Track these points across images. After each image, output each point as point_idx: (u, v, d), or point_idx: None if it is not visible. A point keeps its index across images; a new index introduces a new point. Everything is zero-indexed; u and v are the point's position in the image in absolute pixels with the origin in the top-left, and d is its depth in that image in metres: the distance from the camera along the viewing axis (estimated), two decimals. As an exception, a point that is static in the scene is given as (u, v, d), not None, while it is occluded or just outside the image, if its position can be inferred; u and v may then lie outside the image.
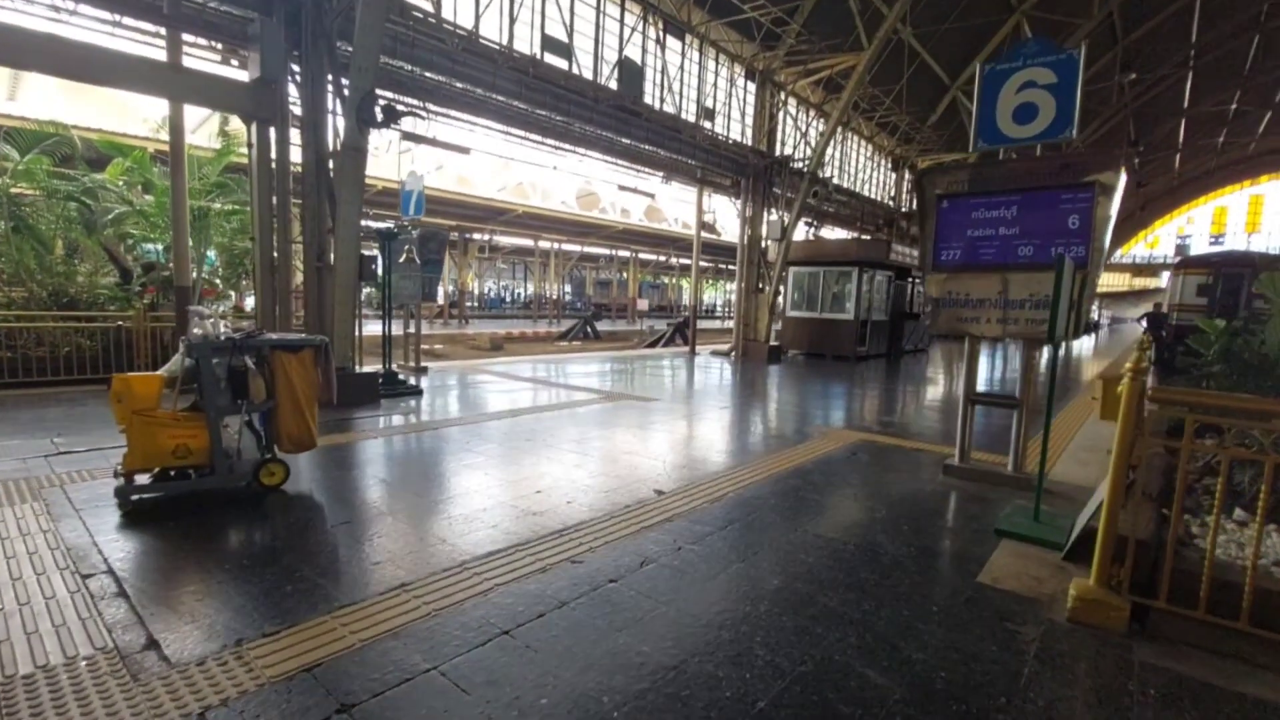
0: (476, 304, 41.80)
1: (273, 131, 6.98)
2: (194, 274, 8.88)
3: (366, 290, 11.96)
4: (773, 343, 14.64)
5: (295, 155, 7.22)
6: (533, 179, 38.27)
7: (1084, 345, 24.06)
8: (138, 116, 13.62)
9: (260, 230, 7.11)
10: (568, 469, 4.80)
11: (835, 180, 19.22)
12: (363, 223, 7.74)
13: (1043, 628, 2.67)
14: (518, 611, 2.62)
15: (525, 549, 3.27)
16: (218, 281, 11.76)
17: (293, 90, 7.12)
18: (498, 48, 9.85)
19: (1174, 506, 2.63)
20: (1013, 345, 15.58)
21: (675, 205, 42.05)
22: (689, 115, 13.57)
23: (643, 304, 44.47)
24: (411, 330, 10.59)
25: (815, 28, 13.69)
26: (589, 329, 25.83)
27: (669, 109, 13.10)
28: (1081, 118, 4.53)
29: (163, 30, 6.86)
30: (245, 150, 7.66)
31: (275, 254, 7.20)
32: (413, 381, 8.50)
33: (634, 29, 12.33)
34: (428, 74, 8.82)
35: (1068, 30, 17.06)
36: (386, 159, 14.43)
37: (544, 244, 34.05)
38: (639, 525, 3.67)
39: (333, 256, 7.28)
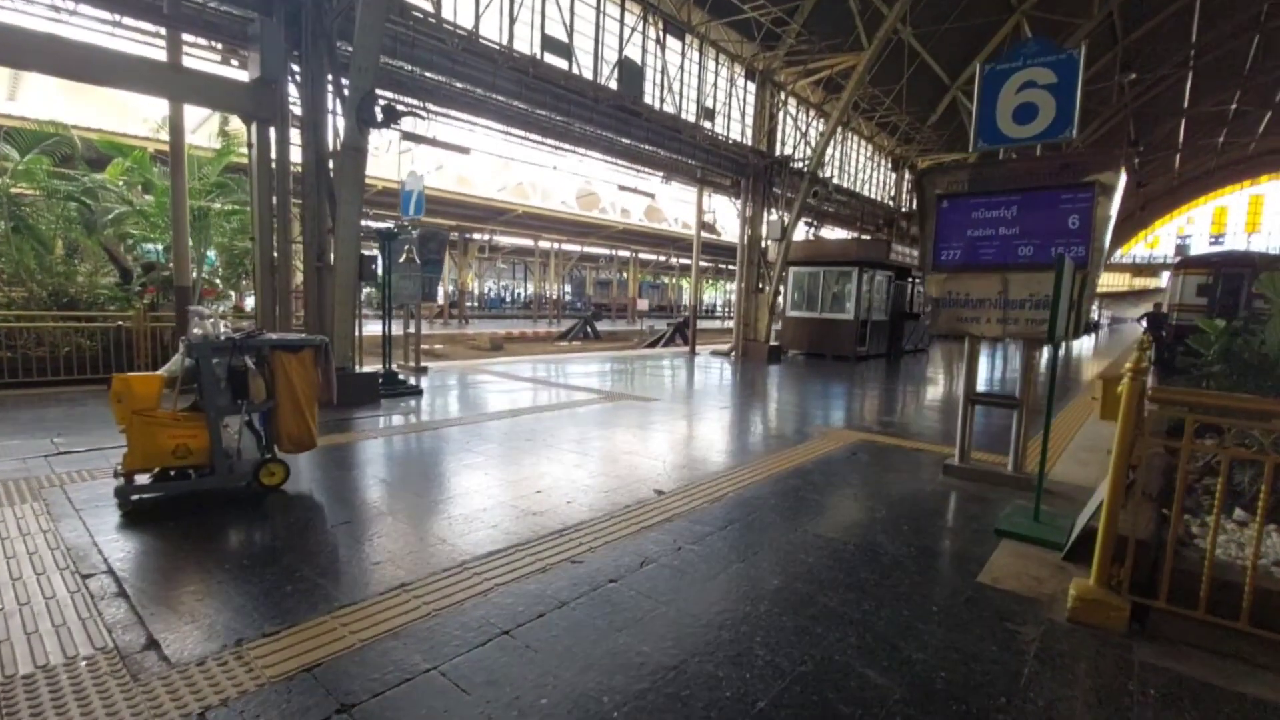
0: (476, 304, 41.79)
1: (273, 131, 6.98)
2: (194, 274, 8.88)
3: (366, 290, 11.96)
4: (773, 343, 14.64)
5: (295, 155, 7.22)
6: (533, 179, 38.27)
7: (1084, 345, 24.06)
8: (138, 116, 13.63)
9: (260, 230, 7.12)
10: (568, 469, 4.80)
11: (835, 180, 19.21)
12: (363, 223, 7.74)
13: (1043, 628, 2.67)
14: (518, 611, 2.63)
15: (525, 549, 3.27)
16: (218, 281, 11.76)
17: (293, 90, 7.13)
18: (498, 48, 9.85)
19: (1174, 506, 2.63)
20: (1013, 345, 15.58)
21: (675, 205, 42.10)
22: (689, 115, 13.56)
23: (643, 304, 44.46)
24: (411, 330, 10.59)
25: (815, 28, 13.69)
26: (589, 329, 25.83)
27: (669, 109, 13.10)
28: (1081, 118, 4.53)
29: (163, 30, 6.87)
30: (245, 150, 7.67)
31: (275, 254, 7.21)
32: (413, 381, 8.50)
33: (634, 29, 12.33)
34: (428, 74, 8.82)
35: (1068, 30, 17.06)
36: (386, 159, 14.42)
37: (544, 244, 34.05)
38: (639, 525, 3.67)
39: (333, 256, 7.28)
